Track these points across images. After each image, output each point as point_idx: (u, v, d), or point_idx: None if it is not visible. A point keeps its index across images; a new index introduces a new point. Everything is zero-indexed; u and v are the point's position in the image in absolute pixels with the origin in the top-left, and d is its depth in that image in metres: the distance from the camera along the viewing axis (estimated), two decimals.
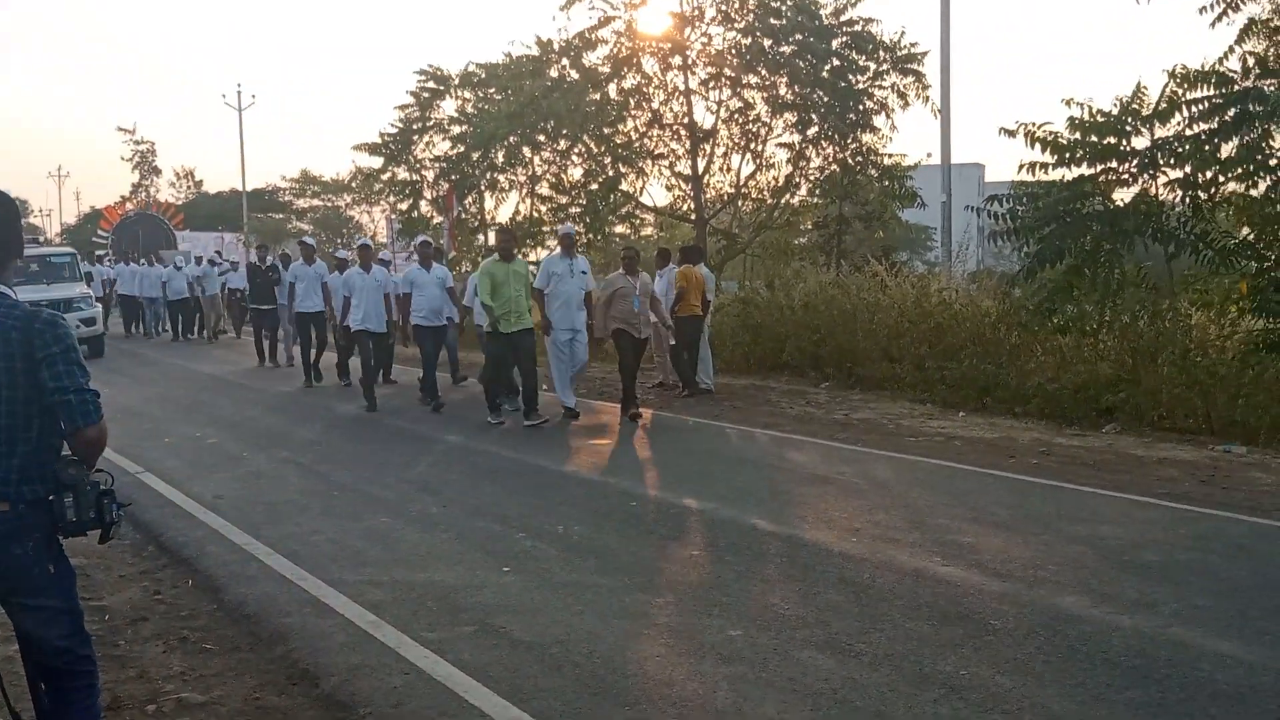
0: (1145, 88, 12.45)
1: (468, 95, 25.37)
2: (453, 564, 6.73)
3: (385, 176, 27.19)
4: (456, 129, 25.23)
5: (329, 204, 52.07)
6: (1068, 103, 12.80)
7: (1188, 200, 12.30)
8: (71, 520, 3.42)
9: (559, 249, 12.73)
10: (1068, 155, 12.80)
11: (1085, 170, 12.91)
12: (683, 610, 5.77)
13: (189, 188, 67.31)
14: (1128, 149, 12.63)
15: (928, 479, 9.03)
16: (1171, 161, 12.31)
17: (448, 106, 25.96)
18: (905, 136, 72.42)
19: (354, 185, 43.02)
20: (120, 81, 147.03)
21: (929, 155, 21.04)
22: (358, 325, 13.82)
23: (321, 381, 16.15)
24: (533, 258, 21.52)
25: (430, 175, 25.71)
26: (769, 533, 7.31)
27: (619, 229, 23.57)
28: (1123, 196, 12.90)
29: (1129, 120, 12.49)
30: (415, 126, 25.86)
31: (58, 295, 20.68)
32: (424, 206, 26.29)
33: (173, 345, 24.95)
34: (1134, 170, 12.65)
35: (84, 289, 22.58)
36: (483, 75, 24.82)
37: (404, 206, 26.79)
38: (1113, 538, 7.02)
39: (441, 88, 25.63)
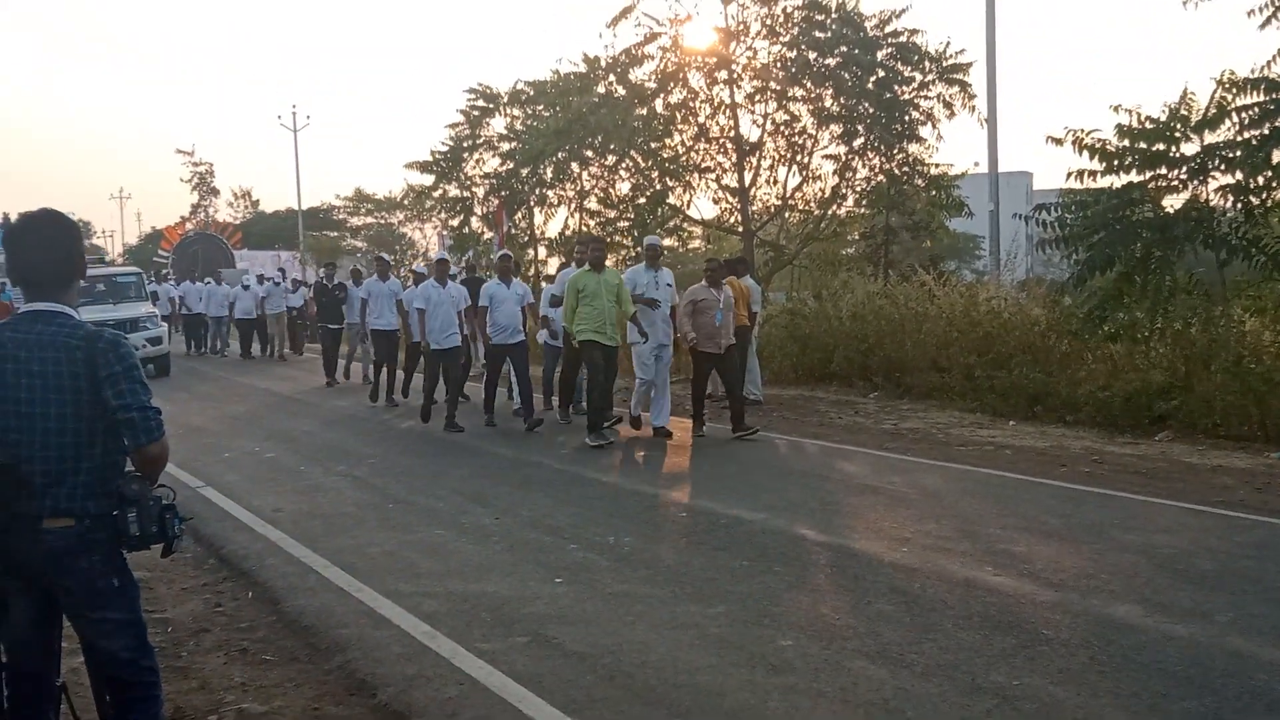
0: (1193, 94, 12.37)
1: (516, 113, 25.62)
2: (506, 575, 6.82)
3: (436, 194, 27.51)
4: (506, 146, 25.48)
5: (382, 221, 52.63)
6: (1115, 109, 12.74)
7: (1239, 206, 12.17)
8: (135, 535, 3.53)
9: (643, 261, 12.56)
10: (1116, 162, 12.71)
11: (1134, 177, 12.82)
12: (733, 621, 5.82)
13: (246, 207, 68.43)
14: (1177, 155, 12.53)
15: (978, 488, 9.01)
16: (1222, 167, 12.20)
17: (497, 124, 26.25)
18: (952, 146, 72.19)
19: (406, 203, 43.47)
20: (179, 104, 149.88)
21: (976, 164, 21.00)
22: (437, 344, 13.24)
23: (395, 403, 15.64)
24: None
25: (480, 192, 25.97)
26: (819, 543, 7.34)
27: (667, 241, 23.66)
28: (1173, 203, 12.80)
29: (1178, 127, 12.40)
30: (465, 144, 26.14)
31: (124, 315, 20.74)
32: (474, 223, 26.57)
33: (238, 363, 24.90)
34: (1184, 177, 12.55)
35: (150, 308, 22.61)
36: (531, 93, 25.05)
37: (455, 223, 27.08)
38: (1167, 546, 6.98)
39: (491, 105, 25.90)
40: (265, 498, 9.40)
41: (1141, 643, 5.24)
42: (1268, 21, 12.73)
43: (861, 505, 8.50)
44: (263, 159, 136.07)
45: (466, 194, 26.49)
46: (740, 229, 20.94)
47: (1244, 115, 11.90)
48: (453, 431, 12.61)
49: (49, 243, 3.57)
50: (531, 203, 24.67)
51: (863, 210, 21.62)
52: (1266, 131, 11.72)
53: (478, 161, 26.09)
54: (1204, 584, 6.17)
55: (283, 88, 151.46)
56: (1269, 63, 12.00)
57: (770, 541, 7.44)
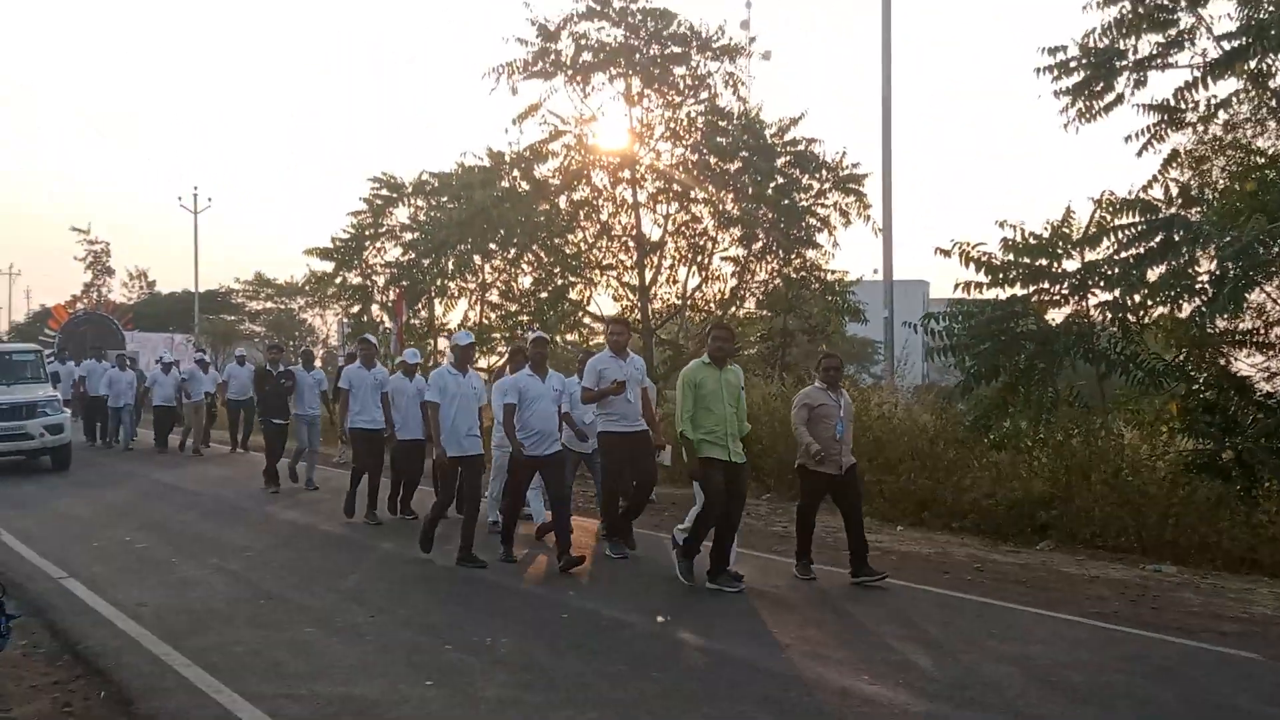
0: (1074, 212, 12.84)
1: (420, 203, 25.63)
2: (375, 677, 6.60)
3: (337, 281, 27.26)
4: (408, 235, 25.42)
5: (282, 306, 51.90)
6: (1001, 224, 13.14)
7: (1118, 322, 12.59)
8: None
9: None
10: (1001, 276, 13.09)
11: (1019, 290, 13.20)
12: None
13: (141, 288, 66.91)
14: (1059, 271, 12.94)
15: (862, 593, 9.03)
16: (1101, 284, 12.63)
17: (400, 214, 26.18)
18: (851, 252, 74.10)
19: (307, 289, 43.06)
20: (76, 181, 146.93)
21: (875, 271, 21.51)
22: (459, 449, 10.24)
23: (377, 521, 12.73)
24: (482, 364, 21.57)
25: (381, 280, 25.80)
26: (697, 647, 7.26)
27: (570, 337, 23.72)
28: (1055, 317, 13.18)
29: (1059, 243, 12.83)
30: (368, 232, 26.02)
31: (20, 399, 18.48)
32: (375, 310, 26.35)
33: (150, 457, 21.51)
34: (1065, 292, 12.95)
35: (50, 391, 19.51)
36: (435, 184, 25.11)
37: (355, 310, 26.83)
38: (1041, 657, 7.04)
39: (394, 195, 25.87)
40: (130, 591, 9.02)
41: None
42: (1144, 148, 13.37)
43: (745, 609, 8.43)
44: (161, 240, 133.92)
45: (368, 282, 26.29)
46: (640, 327, 21.08)
47: (1122, 235, 12.38)
48: (471, 566, 9.98)
49: None
50: (432, 293, 24.58)
51: (761, 312, 21.95)
52: (1142, 251, 12.19)
53: (379, 249, 25.97)
54: (1074, 696, 6.22)
55: (184, 169, 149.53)
56: (1145, 186, 12.56)
57: (649, 646, 7.33)
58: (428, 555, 10.40)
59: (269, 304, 53.00)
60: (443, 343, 25.87)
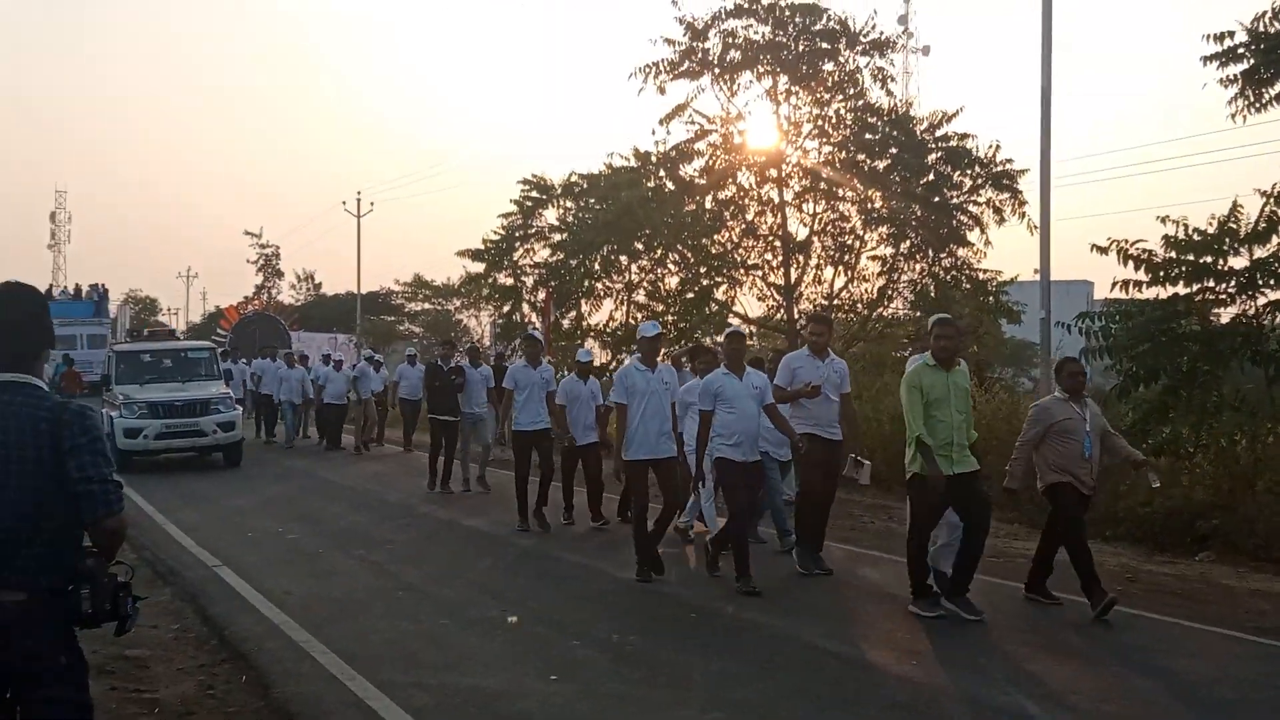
0: (1242, 206, 12.17)
1: (569, 204, 25.91)
2: (501, 670, 6.68)
3: (488, 281, 27.79)
4: (557, 236, 25.74)
5: (439, 307, 53.28)
6: (1162, 220, 12.58)
7: None
8: (87, 612, 3.46)
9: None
10: (1162, 274, 12.51)
11: (1181, 289, 12.60)
12: None
13: (309, 290, 69.70)
14: (1225, 268, 12.30)
15: (1005, 603, 8.69)
16: (1271, 282, 11.95)
17: (549, 215, 26.53)
18: (1009, 251, 71.85)
19: (462, 290, 44.09)
20: (249, 187, 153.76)
21: (1035, 271, 20.83)
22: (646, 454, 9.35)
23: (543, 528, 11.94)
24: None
25: (530, 281, 26.19)
26: (828, 651, 7.11)
27: (719, 337, 23.68)
28: (1220, 316, 12.53)
29: (1226, 239, 12.19)
30: (517, 234, 26.45)
31: (194, 395, 18.67)
32: (525, 309, 26.77)
33: (320, 454, 21.51)
34: (1232, 290, 12.30)
35: (223, 388, 19.70)
36: (584, 185, 25.37)
37: (506, 310, 27.30)
38: (1189, 672, 6.68)
39: (544, 196, 26.23)
40: (278, 579, 9.36)
41: None
42: None
43: (879, 614, 8.25)
44: (326, 243, 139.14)
45: (517, 283, 26.72)
46: (785, 328, 20.89)
47: None
48: (645, 578, 9.12)
49: (15, 314, 3.59)
50: (580, 294, 24.79)
51: (909, 312, 21.51)
52: None
53: (528, 251, 26.35)
54: (1223, 712, 5.89)
55: (348, 173, 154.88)
56: None
57: (779, 646, 7.23)
58: (659, 576, 9.15)
59: (427, 305, 54.45)
60: (589, 343, 26.13)
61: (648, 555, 9.18)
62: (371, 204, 54.47)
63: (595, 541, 11.30)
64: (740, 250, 20.85)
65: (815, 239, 20.43)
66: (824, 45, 19.96)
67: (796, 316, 20.66)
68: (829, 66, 20.02)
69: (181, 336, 32.49)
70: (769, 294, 21.13)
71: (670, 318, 22.13)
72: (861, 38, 20.05)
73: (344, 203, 54.44)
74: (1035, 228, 19.12)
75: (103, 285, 49.36)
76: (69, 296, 49.10)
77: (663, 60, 20.04)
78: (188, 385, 19.15)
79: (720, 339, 9.86)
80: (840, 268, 20.64)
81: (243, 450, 19.32)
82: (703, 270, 21.09)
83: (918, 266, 20.29)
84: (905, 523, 12.02)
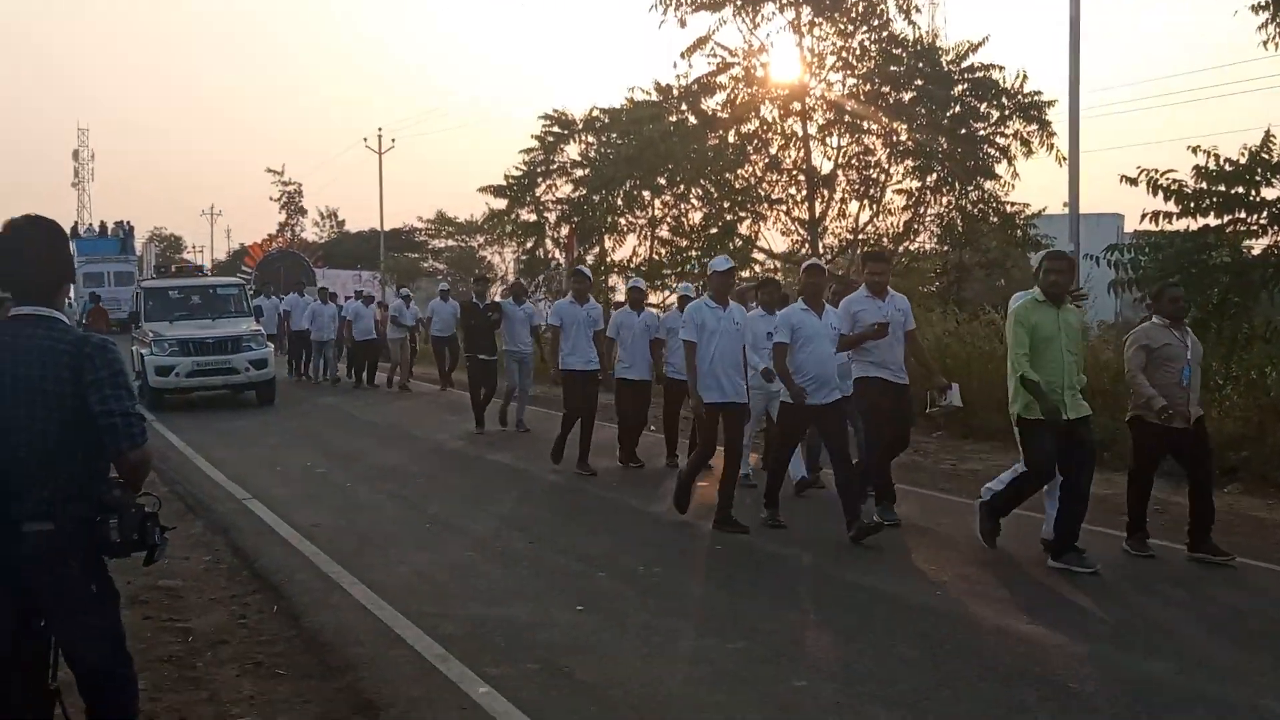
0: (1275, 136, 11.95)
1: (590, 139, 25.76)
2: (528, 600, 6.75)
3: (511, 218, 27.73)
4: (579, 172, 25.62)
5: (463, 244, 53.24)
6: (1193, 150, 12.37)
7: None
8: (115, 541, 3.51)
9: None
10: (1193, 205, 12.33)
11: (1212, 220, 12.43)
12: (751, 658, 5.68)
13: (332, 227, 69.68)
14: (1257, 199, 12.11)
15: (1028, 534, 8.66)
16: None
17: (571, 150, 26.39)
18: (1037, 184, 70.93)
19: (485, 226, 44.01)
20: (271, 125, 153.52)
21: (1064, 204, 20.62)
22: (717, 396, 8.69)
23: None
24: (654, 300, 21.61)
25: (553, 217, 26.12)
26: (852, 583, 7.15)
27: (745, 272, 23.59)
28: (1252, 248, 12.37)
29: (1258, 170, 11.99)
30: (539, 170, 26.34)
31: (223, 332, 18.30)
32: (548, 245, 26.72)
33: (351, 391, 21.05)
34: (1263, 221, 12.12)
35: (254, 325, 19.24)
36: (606, 120, 25.18)
37: (529, 245, 27.27)
38: (1215, 602, 6.70)
39: (565, 132, 26.08)
40: (307, 513, 9.45)
41: (1170, 701, 5.00)
42: None
43: (904, 546, 8.25)
44: (349, 180, 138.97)
45: (540, 219, 26.66)
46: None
47: None
48: (731, 531, 8.50)
49: (36, 247, 3.60)
50: (603, 229, 24.72)
51: (935, 246, 21.35)
52: None
53: (551, 187, 26.26)
54: (1248, 644, 5.89)
55: (369, 110, 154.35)
56: None
57: (802, 579, 7.29)
58: (683, 516, 8.93)
59: (450, 242, 54.40)
60: (613, 279, 26.07)
61: (684, 500, 8.95)
62: (393, 140, 54.35)
63: (621, 476, 11.33)
64: (764, 184, 20.70)
65: (840, 173, 20.25)
66: None
67: (821, 251, 20.54)
68: None
69: (209, 273, 32.13)
70: (793, 229, 21.01)
71: (694, 253, 22.05)
72: None
73: (365, 140, 54.30)
74: (1064, 159, 18.92)
75: (128, 222, 49.26)
76: (94, 234, 49.07)
77: None
78: (218, 322, 18.78)
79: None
80: (865, 202, 20.49)
81: (275, 388, 18.87)
82: (726, 205, 20.96)
83: (944, 200, 20.10)
84: (930, 455, 12.02)
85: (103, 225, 50.42)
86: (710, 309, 8.70)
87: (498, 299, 15.44)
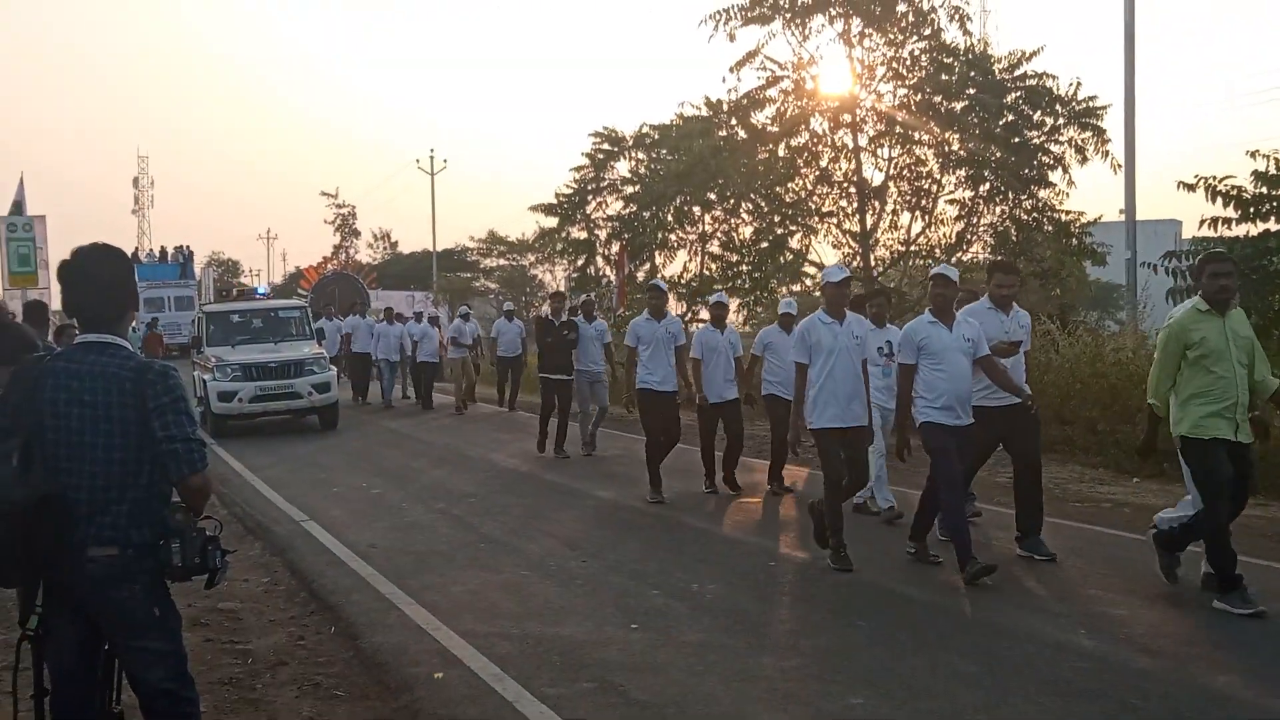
0: None
1: (641, 156, 25.83)
2: (583, 619, 6.77)
3: (562, 235, 27.86)
4: (629, 189, 25.68)
5: (514, 263, 53.55)
6: (1252, 155, 12.20)
7: None
8: (178, 565, 3.58)
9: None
10: (1252, 210, 12.15)
11: (1272, 225, 12.24)
12: (806, 675, 5.65)
13: (385, 248, 70.34)
14: None
15: (1088, 547, 8.58)
16: None
17: (621, 167, 26.47)
18: (1094, 192, 70.23)
19: (536, 245, 44.24)
20: (324, 148, 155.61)
21: (1120, 212, 20.34)
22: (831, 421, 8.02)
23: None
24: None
25: (603, 234, 26.19)
26: (906, 597, 7.10)
27: (796, 287, 23.48)
28: None
29: None
30: (590, 187, 26.44)
31: (288, 356, 17.84)
32: (599, 262, 26.79)
33: (417, 414, 20.69)
34: None
35: (316, 349, 18.78)
36: (655, 136, 25.25)
37: (580, 262, 27.35)
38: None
39: (615, 149, 26.17)
40: (363, 533, 9.55)
41: (1236, 717, 4.90)
42: None
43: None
44: (401, 202, 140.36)
45: (591, 236, 26.74)
46: (862, 274, 20.64)
47: None
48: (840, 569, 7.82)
49: (102, 275, 3.68)
50: (654, 246, 24.72)
51: (989, 256, 21.11)
52: None
53: (600, 204, 26.35)
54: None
55: (421, 131, 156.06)
56: None
57: (856, 594, 7.23)
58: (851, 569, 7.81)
59: (502, 261, 54.72)
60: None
61: (834, 533, 7.92)
62: (445, 161, 54.91)
63: (672, 493, 11.30)
64: (814, 197, 20.55)
65: (891, 184, 20.07)
66: None
67: (873, 263, 20.39)
68: (903, 7, 19.57)
69: (269, 295, 31.97)
70: (844, 241, 20.83)
71: (745, 267, 21.97)
72: None
73: (417, 160, 54.85)
74: (1119, 166, 18.70)
75: (188, 248, 50.11)
76: (155, 259, 50.00)
77: (733, 6, 19.70)
78: (280, 346, 18.40)
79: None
80: (917, 212, 20.28)
81: (338, 413, 18.39)
82: (776, 219, 20.87)
83: (997, 209, 19.87)
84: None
85: (163, 250, 51.35)
86: (825, 324, 8.04)
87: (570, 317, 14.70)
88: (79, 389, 3.57)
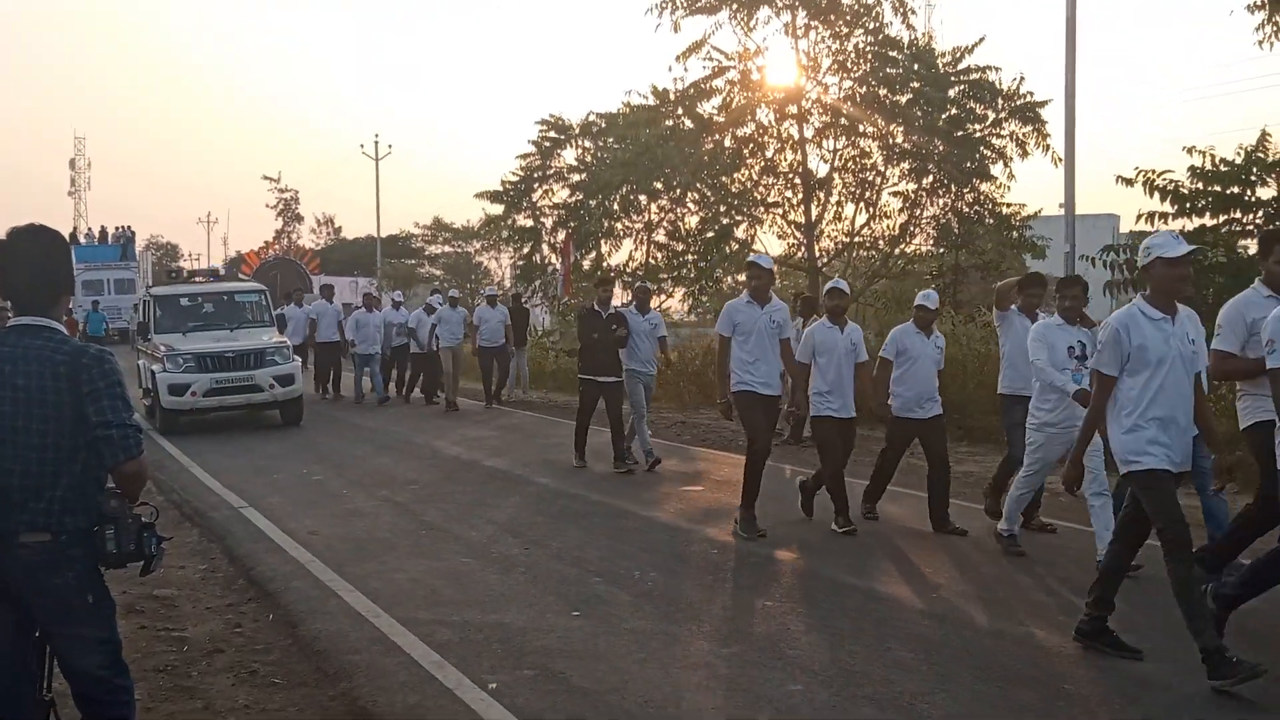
0: (1270, 136, 12.00)
1: (587, 144, 25.79)
2: (524, 607, 6.74)
3: (508, 223, 27.74)
4: (576, 177, 25.64)
5: (459, 250, 53.20)
6: (1189, 151, 12.42)
7: None
8: (112, 552, 3.52)
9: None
10: (1189, 205, 12.38)
11: (1208, 221, 12.48)
12: (746, 662, 5.68)
13: (329, 234, 69.62)
14: (1253, 199, 12.16)
15: (1037, 540, 8.68)
16: None
17: (568, 155, 26.42)
18: (1034, 185, 71.15)
19: (482, 232, 43.95)
20: (266, 132, 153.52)
21: (1060, 206, 20.62)
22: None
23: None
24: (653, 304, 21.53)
25: (549, 223, 26.13)
26: (848, 585, 7.15)
27: (741, 276, 23.56)
28: (1247, 247, 12.40)
29: (1254, 170, 12.03)
30: (536, 175, 26.36)
31: (246, 345, 16.19)
32: (545, 250, 26.72)
33: (400, 409, 19.17)
34: (1259, 221, 12.16)
35: (277, 336, 17.25)
36: (602, 125, 25.21)
37: (525, 250, 27.26)
38: (1247, 609, 6.64)
39: (562, 137, 26.10)
40: (303, 520, 9.45)
41: (1169, 701, 5.00)
42: None
43: (899, 549, 8.26)
44: (345, 187, 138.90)
45: (537, 224, 26.67)
46: (806, 265, 20.77)
47: None
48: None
49: (37, 257, 3.60)
50: (600, 235, 24.69)
51: (931, 249, 21.34)
52: None
53: (546, 192, 26.29)
54: (1252, 642, 5.86)
55: (365, 116, 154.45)
56: None
57: (798, 582, 7.29)
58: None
59: (447, 248, 54.36)
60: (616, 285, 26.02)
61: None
62: (390, 147, 54.38)
63: (615, 480, 11.33)
64: (760, 188, 20.66)
65: (836, 175, 20.22)
66: None
67: (817, 254, 20.51)
68: (848, 0, 19.69)
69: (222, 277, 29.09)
70: (789, 232, 20.97)
71: (690, 257, 22.03)
72: None
73: (362, 146, 54.29)
74: (1059, 160, 18.93)
75: (129, 228, 48.89)
76: (94, 240, 48.83)
77: None
78: (237, 333, 16.68)
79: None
80: (861, 204, 20.45)
81: (303, 407, 16.72)
82: (722, 209, 20.93)
83: (940, 202, 20.08)
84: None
85: (103, 231, 50.07)
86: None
87: (619, 308, 12.80)
88: (11, 373, 3.49)
